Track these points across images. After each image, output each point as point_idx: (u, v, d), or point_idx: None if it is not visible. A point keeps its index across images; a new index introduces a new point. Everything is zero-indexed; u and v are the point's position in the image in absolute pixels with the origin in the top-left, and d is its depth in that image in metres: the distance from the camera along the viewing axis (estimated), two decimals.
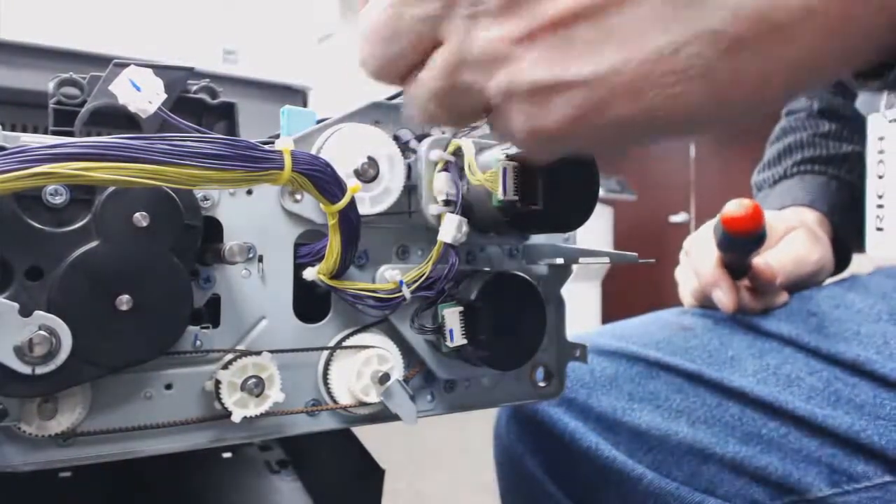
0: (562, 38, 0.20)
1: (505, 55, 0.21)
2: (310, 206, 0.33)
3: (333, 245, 0.30)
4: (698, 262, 0.54)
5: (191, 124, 0.27)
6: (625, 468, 0.48)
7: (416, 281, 0.34)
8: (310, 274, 0.32)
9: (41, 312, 0.25)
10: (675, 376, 0.50)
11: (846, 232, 0.61)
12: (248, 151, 0.26)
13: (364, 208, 0.33)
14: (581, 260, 0.37)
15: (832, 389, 0.44)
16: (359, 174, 0.33)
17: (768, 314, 0.52)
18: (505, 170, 0.31)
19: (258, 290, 0.32)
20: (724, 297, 0.51)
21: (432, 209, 0.34)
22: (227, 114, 0.45)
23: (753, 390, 0.46)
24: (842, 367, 0.45)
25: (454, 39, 0.21)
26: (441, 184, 0.34)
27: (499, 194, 0.31)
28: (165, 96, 0.27)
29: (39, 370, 0.25)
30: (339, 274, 0.32)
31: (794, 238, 0.56)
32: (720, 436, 0.47)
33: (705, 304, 0.56)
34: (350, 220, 0.30)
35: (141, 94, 0.26)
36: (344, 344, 0.34)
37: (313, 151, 0.33)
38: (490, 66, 0.21)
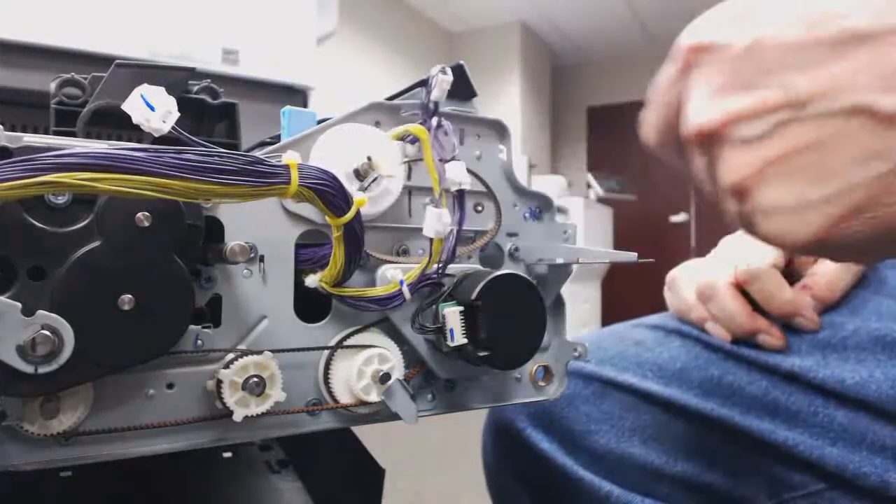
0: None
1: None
2: (310, 206, 0.33)
3: (338, 255, 0.31)
4: (723, 307, 0.47)
5: (197, 139, 0.27)
6: (593, 486, 0.49)
7: (416, 280, 0.34)
8: (312, 282, 0.32)
9: (44, 312, 0.25)
10: (627, 394, 0.50)
11: None
12: (254, 166, 0.26)
13: (364, 209, 0.33)
14: (581, 260, 0.37)
15: (769, 398, 0.44)
16: (359, 174, 0.33)
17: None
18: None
19: (259, 289, 0.32)
20: (775, 342, 0.45)
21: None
22: (228, 114, 0.45)
23: (697, 405, 0.46)
24: (779, 376, 0.44)
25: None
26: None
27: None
28: (179, 115, 0.27)
29: (42, 369, 0.25)
30: (341, 283, 0.32)
31: None
32: (670, 454, 0.47)
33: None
34: (355, 232, 0.30)
35: (155, 113, 0.26)
36: (345, 343, 0.34)
37: (314, 151, 0.33)
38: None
